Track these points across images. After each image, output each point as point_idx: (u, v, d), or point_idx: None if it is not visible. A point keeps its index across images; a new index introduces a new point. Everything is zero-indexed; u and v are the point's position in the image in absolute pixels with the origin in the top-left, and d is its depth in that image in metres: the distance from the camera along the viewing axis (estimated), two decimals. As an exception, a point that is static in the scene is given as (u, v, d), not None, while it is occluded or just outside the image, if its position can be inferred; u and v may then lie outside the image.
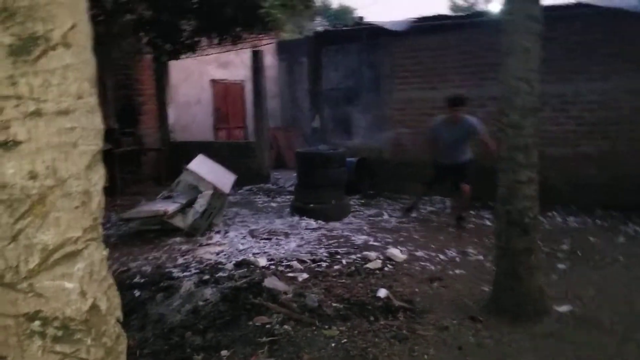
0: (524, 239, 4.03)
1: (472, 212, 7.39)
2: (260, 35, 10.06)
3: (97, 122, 1.14)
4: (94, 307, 1.14)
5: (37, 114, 1.03)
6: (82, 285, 1.12)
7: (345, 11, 36.34)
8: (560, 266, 5.30)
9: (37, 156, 1.04)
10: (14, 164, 1.02)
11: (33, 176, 1.04)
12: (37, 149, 1.04)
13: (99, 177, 1.15)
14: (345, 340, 3.68)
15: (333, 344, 3.62)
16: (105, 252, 1.19)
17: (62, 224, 1.08)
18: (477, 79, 8.33)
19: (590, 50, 7.57)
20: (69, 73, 1.05)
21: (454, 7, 34.32)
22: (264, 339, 3.64)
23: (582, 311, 4.16)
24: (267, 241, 6.62)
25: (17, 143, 1.02)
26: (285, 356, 3.45)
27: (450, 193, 7.58)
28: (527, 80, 3.91)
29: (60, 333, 1.10)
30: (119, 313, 1.23)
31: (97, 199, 1.15)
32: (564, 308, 4.19)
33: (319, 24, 36.72)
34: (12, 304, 1.07)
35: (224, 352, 3.51)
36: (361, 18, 13.30)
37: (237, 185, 9.19)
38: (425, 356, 3.49)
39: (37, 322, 1.08)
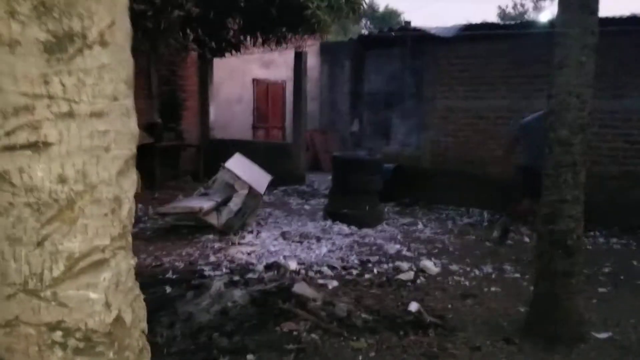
0: (566, 261, 3.85)
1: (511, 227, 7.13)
2: (305, 37, 10.00)
3: (132, 126, 1.09)
4: (118, 319, 1.09)
5: (69, 115, 0.98)
6: (107, 296, 1.06)
7: (391, 15, 36.15)
8: (601, 290, 5.08)
9: (67, 159, 0.99)
10: (44, 167, 0.98)
11: (62, 180, 0.99)
12: (68, 152, 0.99)
13: (130, 183, 1.10)
14: (373, 354, 3.59)
15: (360, 357, 3.53)
16: (133, 262, 1.14)
17: (90, 231, 1.03)
18: (525, 91, 8.09)
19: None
20: (105, 73, 1.00)
21: (503, 15, 33.74)
22: (291, 346, 3.57)
23: (621, 339, 3.96)
24: (298, 244, 6.58)
25: (47, 145, 0.98)
26: (311, 366, 3.38)
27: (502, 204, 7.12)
28: (579, 95, 3.75)
29: (82, 345, 1.05)
30: (144, 325, 1.18)
31: (128, 207, 1.09)
32: (603, 335, 4.00)
33: (365, 27, 36.53)
34: (35, 312, 1.02)
35: (250, 357, 3.46)
36: (408, 23, 13.14)
37: (272, 185, 9.18)
38: (456, 377, 3.37)
39: (58, 333, 1.04)
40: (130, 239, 1.12)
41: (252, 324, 3.82)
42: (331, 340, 3.72)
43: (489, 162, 8.55)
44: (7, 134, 0.96)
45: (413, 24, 11.31)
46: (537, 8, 39.10)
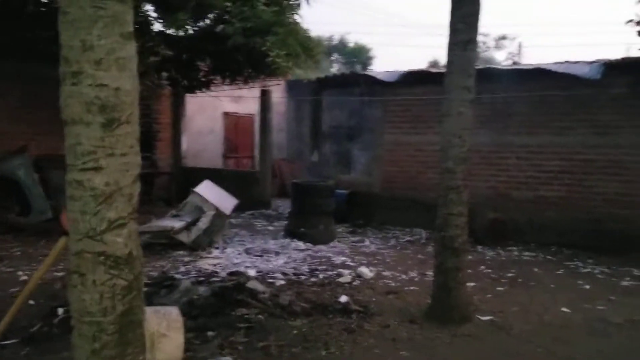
0: (454, 259, 5.07)
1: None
2: (269, 77, 11.26)
3: (138, 159, 2.25)
4: (130, 253, 2.24)
5: (111, 154, 2.15)
6: (126, 241, 2.21)
7: (361, 50, 37.84)
8: (499, 288, 6.30)
9: (110, 175, 2.15)
10: (99, 178, 2.13)
11: (107, 184, 2.15)
12: (110, 172, 2.15)
13: (137, 187, 2.26)
14: (305, 329, 4.72)
15: (295, 332, 4.66)
16: (137, 226, 2.29)
17: (119, 209, 2.19)
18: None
19: (551, 109, 8.68)
20: (128, 136, 2.17)
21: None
22: (242, 325, 4.68)
23: (500, 321, 5.15)
24: (259, 257, 7.70)
25: (101, 168, 2.14)
26: (257, 338, 4.49)
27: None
28: (460, 137, 5.01)
29: (113, 263, 2.19)
30: (142, 258, 2.33)
31: (135, 198, 2.25)
32: (485, 317, 5.20)
33: (336, 61, 37.73)
34: (92, 246, 2.17)
35: (210, 333, 4.55)
36: (367, 64, 14.54)
37: (239, 209, 10.30)
38: (365, 344, 4.51)
39: (102, 257, 2.18)
40: (136, 214, 2.27)
41: (212, 310, 4.91)
42: (274, 320, 4.85)
43: (429, 188, 9.83)
44: (83, 163, 2.12)
45: (380, 61, 12.70)
46: (499, 47, 41.65)
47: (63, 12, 2.08)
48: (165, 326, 2.56)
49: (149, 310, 2.60)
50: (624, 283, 6.60)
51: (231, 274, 6.55)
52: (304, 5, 9.63)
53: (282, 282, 6.21)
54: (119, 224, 2.20)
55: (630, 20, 6.53)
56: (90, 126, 2.11)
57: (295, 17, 9.78)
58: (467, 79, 5.03)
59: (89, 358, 2.19)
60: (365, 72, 11.21)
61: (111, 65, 2.10)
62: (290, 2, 9.51)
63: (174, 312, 2.88)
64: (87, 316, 2.18)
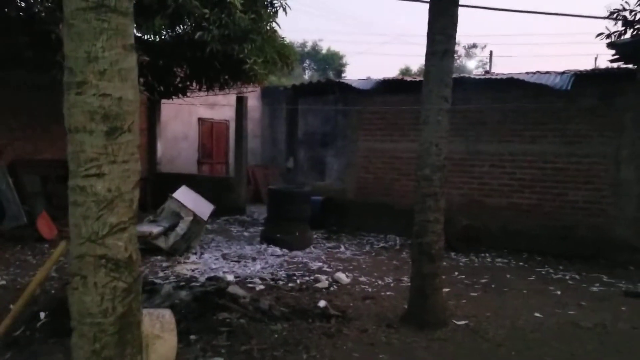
0: (430, 265, 5.22)
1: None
2: (245, 84, 11.33)
3: (139, 166, 2.34)
4: (130, 256, 2.32)
5: (113, 162, 2.23)
6: (126, 244, 2.29)
7: (334, 57, 38.13)
8: (473, 294, 6.49)
9: (111, 181, 2.23)
10: (101, 184, 2.21)
11: (109, 190, 2.23)
12: (112, 178, 2.23)
13: (137, 192, 2.34)
14: (286, 333, 4.82)
15: (276, 336, 4.75)
16: (136, 231, 2.37)
17: (120, 213, 2.26)
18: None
19: (523, 118, 8.97)
20: (129, 144, 2.26)
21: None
22: (224, 328, 4.75)
23: (475, 325, 5.32)
24: (236, 263, 7.76)
25: (103, 175, 2.21)
26: (238, 342, 4.56)
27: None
28: (437, 145, 5.19)
29: (114, 266, 2.27)
30: (140, 262, 2.40)
31: (136, 203, 2.34)
32: (461, 322, 5.36)
33: (309, 67, 37.86)
34: (94, 250, 2.24)
35: (192, 337, 4.61)
36: (340, 72, 14.74)
37: (215, 215, 10.33)
38: (345, 347, 4.62)
39: (103, 260, 2.25)
40: (136, 218, 2.35)
41: (194, 314, 4.96)
42: (255, 325, 4.93)
43: (402, 195, 10.03)
44: (86, 169, 2.20)
45: (352, 68, 12.91)
46: (469, 55, 42.48)
47: (69, 24, 2.16)
48: (159, 328, 2.64)
49: (143, 312, 2.67)
50: (594, 289, 6.85)
51: (210, 279, 6.59)
52: (280, 13, 9.79)
53: (261, 287, 6.29)
54: (120, 228, 2.28)
55: (601, 34, 6.81)
56: (93, 134, 2.19)
57: (273, 24, 9.92)
58: (444, 89, 5.20)
59: (89, 358, 2.26)
60: (341, 80, 11.36)
61: (114, 76, 2.18)
62: (268, 10, 9.63)
63: (167, 314, 2.95)
64: (88, 317, 2.25)
